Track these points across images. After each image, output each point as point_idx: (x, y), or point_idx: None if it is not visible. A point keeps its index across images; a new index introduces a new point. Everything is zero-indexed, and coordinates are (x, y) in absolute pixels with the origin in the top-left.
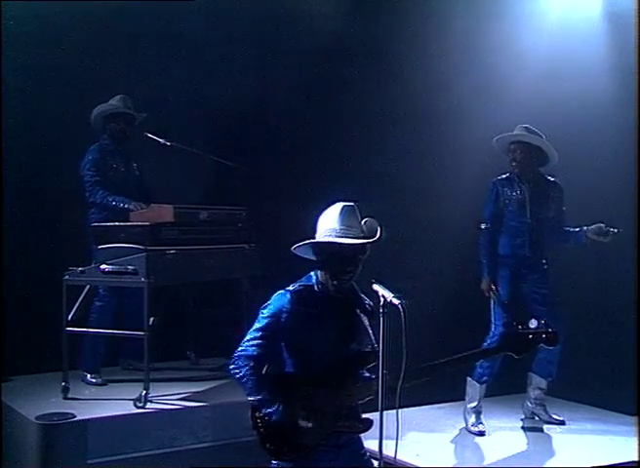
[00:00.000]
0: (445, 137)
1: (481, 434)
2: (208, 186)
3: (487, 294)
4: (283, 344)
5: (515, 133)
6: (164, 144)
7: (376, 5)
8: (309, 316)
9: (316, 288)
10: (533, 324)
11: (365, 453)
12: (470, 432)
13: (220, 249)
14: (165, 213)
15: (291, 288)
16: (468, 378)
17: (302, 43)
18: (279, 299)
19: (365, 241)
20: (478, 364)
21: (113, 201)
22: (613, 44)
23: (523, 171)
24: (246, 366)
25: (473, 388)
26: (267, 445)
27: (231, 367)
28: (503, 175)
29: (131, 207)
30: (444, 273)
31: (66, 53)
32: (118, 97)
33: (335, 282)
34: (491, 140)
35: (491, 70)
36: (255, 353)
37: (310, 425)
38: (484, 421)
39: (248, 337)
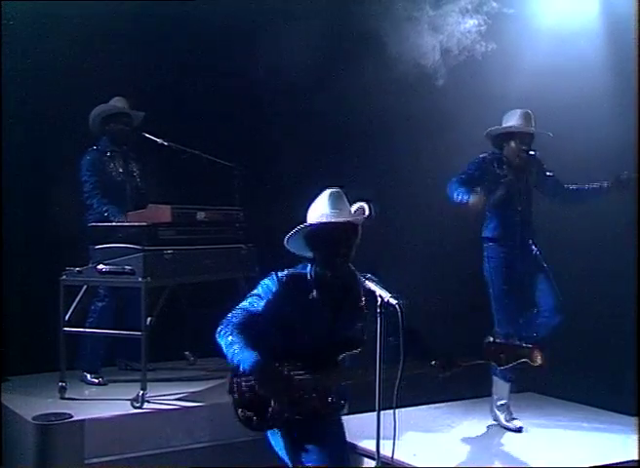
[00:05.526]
0: (444, 136)
1: (519, 430)
2: (205, 186)
3: (481, 208)
4: (268, 321)
5: (521, 123)
6: (161, 144)
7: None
8: (295, 301)
9: (309, 276)
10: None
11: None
12: (506, 428)
13: (217, 249)
14: (162, 213)
15: (280, 272)
16: (495, 377)
17: (299, 43)
18: (267, 281)
19: (355, 218)
20: None
21: (106, 211)
22: (611, 44)
23: (528, 159)
24: (230, 331)
25: (502, 386)
26: (240, 411)
27: (218, 329)
28: (486, 154)
29: (121, 220)
30: (442, 269)
31: (67, 53)
32: (116, 98)
33: (330, 269)
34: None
35: (489, 71)
36: (239, 321)
37: (284, 400)
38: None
39: (236, 309)
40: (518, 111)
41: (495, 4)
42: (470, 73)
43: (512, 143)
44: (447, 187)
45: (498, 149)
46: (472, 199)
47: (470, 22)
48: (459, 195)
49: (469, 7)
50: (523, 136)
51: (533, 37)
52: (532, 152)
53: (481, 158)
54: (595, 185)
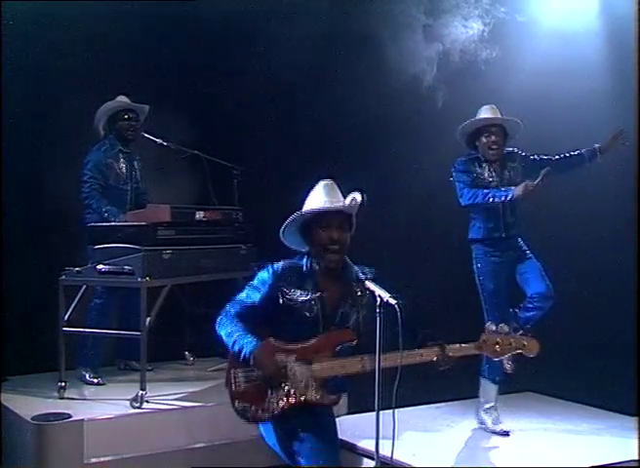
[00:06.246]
0: (443, 138)
1: (506, 434)
2: (204, 186)
3: (534, 188)
4: (265, 311)
5: (490, 116)
6: (161, 144)
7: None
8: (290, 292)
9: (304, 268)
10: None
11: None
12: (493, 432)
13: (216, 249)
14: (161, 212)
15: (276, 264)
16: (482, 379)
17: (299, 43)
18: (263, 273)
19: (347, 204)
20: (489, 364)
21: (106, 212)
22: (611, 44)
23: (499, 154)
24: (229, 321)
25: (489, 388)
26: (236, 402)
27: (217, 320)
28: (464, 157)
29: (121, 221)
30: (441, 268)
31: (67, 52)
32: (119, 96)
33: (325, 260)
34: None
35: (489, 72)
36: (237, 311)
37: (281, 391)
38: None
39: (233, 300)
40: (483, 107)
41: (500, 9)
42: (471, 74)
43: (483, 139)
44: (464, 200)
45: (473, 150)
46: (516, 192)
47: (473, 26)
48: (494, 198)
49: (472, 12)
50: (489, 129)
51: (533, 38)
52: (510, 149)
53: (462, 160)
54: (583, 150)
